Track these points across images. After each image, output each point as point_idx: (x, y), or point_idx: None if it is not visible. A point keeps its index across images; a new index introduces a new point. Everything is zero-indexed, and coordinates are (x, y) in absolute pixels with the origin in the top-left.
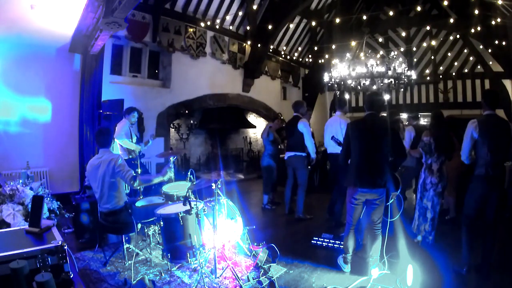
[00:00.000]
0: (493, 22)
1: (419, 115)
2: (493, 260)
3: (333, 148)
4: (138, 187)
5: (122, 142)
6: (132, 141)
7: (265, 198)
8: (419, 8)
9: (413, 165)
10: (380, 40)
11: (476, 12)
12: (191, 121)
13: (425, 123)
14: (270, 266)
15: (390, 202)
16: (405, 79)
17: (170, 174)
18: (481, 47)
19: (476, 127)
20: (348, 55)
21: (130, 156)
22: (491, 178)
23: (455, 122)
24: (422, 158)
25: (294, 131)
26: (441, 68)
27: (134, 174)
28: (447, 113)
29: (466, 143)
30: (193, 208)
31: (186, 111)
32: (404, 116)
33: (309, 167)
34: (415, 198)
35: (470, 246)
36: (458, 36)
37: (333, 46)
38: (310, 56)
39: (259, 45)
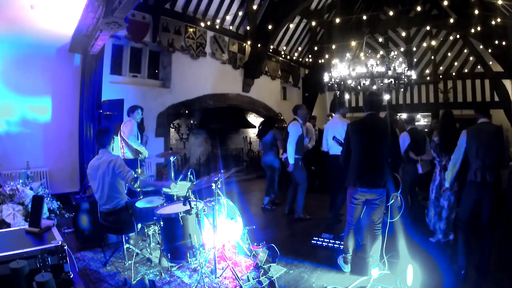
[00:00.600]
0: (493, 22)
1: (414, 118)
2: (492, 261)
3: (336, 150)
4: (138, 189)
5: (134, 144)
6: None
7: (266, 199)
8: (419, 8)
9: (429, 169)
10: (380, 40)
11: (476, 12)
12: (191, 121)
13: (425, 123)
14: (270, 266)
15: (391, 203)
16: (405, 79)
17: (174, 189)
18: (481, 47)
19: (465, 135)
20: (348, 55)
21: (139, 158)
22: (481, 184)
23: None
24: (435, 159)
25: (287, 134)
26: (441, 68)
27: (135, 176)
28: None
29: (458, 152)
30: (193, 208)
31: (186, 111)
32: (404, 116)
33: (312, 167)
34: (414, 198)
35: (467, 250)
36: (458, 36)
37: (333, 46)
38: (310, 56)
39: (259, 45)
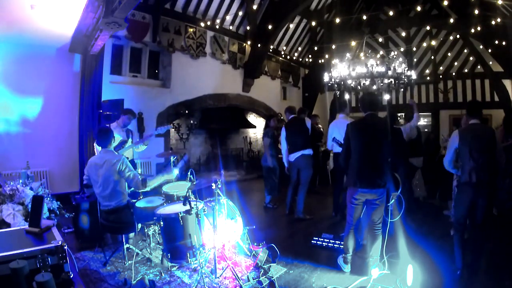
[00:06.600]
0: (493, 22)
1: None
2: (488, 261)
3: (339, 149)
4: (144, 189)
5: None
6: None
7: (267, 197)
8: (419, 8)
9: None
10: (380, 40)
11: (476, 12)
12: (191, 121)
13: (425, 123)
14: (270, 266)
15: (391, 203)
16: (405, 79)
17: (176, 172)
18: (481, 47)
19: (457, 136)
20: (348, 55)
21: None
22: (476, 184)
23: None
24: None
25: (303, 130)
26: (441, 68)
27: (142, 177)
28: (447, 113)
29: (448, 152)
30: (193, 208)
31: (186, 111)
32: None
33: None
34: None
35: (463, 251)
36: (458, 36)
37: (333, 46)
38: (310, 56)
39: (259, 45)
